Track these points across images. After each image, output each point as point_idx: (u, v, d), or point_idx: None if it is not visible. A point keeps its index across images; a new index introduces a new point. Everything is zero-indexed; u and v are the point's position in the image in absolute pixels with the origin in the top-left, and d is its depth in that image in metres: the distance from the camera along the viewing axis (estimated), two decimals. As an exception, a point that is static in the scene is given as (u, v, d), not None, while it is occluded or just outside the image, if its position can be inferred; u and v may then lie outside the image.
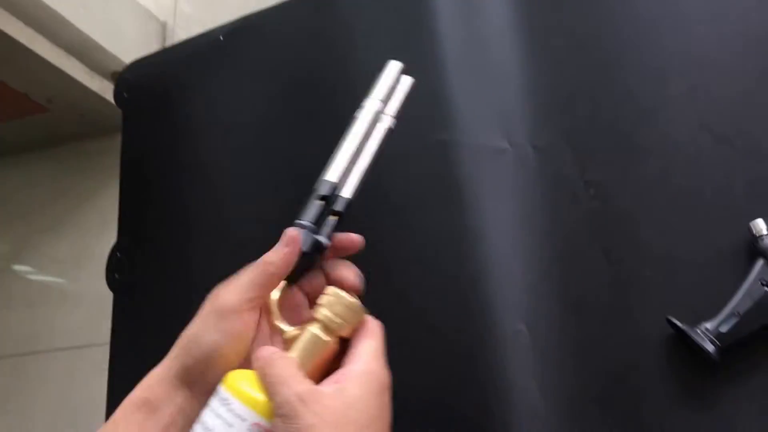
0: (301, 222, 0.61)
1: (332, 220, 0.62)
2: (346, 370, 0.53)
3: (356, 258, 0.82)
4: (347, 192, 0.63)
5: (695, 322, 0.76)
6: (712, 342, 0.74)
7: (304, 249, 0.60)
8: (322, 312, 0.55)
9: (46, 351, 2.11)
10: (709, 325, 0.75)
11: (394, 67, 0.68)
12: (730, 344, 0.74)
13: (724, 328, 0.74)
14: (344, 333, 0.56)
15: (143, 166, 1.18)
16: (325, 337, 0.55)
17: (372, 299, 0.89)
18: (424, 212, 0.93)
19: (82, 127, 2.31)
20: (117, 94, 1.25)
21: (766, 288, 0.74)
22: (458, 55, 0.98)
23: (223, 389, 0.53)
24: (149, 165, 1.17)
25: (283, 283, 0.61)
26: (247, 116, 1.10)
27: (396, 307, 0.88)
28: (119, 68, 1.31)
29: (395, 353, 0.85)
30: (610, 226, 0.85)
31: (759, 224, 0.77)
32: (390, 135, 0.67)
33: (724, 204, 0.82)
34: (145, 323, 1.05)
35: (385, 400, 0.52)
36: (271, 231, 0.99)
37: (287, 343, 0.57)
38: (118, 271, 1.08)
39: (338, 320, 0.55)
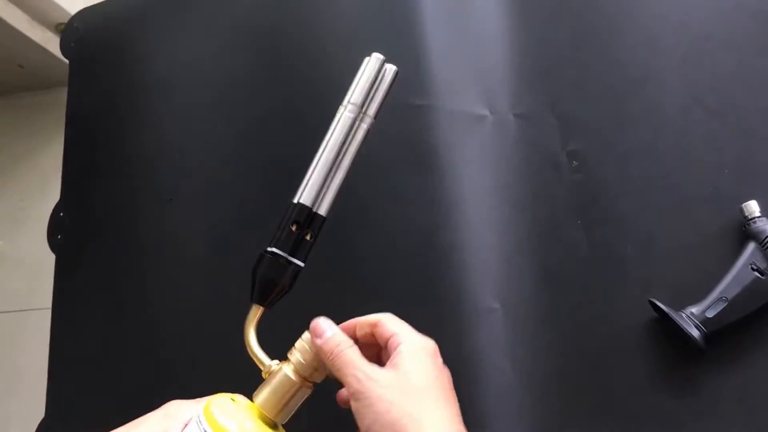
0: (275, 251, 0.61)
1: (308, 241, 0.62)
2: (397, 352, 0.57)
3: (328, 224, 0.77)
4: (323, 210, 0.62)
5: (678, 305, 0.73)
6: (697, 327, 0.71)
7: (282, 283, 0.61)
8: (295, 355, 0.59)
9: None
10: (694, 309, 0.72)
11: (375, 61, 0.64)
12: (716, 330, 0.71)
13: (710, 314, 0.71)
14: (311, 377, 0.59)
15: (90, 121, 1.11)
16: (295, 378, 0.58)
17: (341, 266, 0.87)
18: (398, 178, 0.89)
19: (21, 80, 2.20)
20: (64, 44, 1.18)
21: (756, 273, 0.71)
22: (439, 18, 0.94)
23: (203, 417, 0.55)
24: (96, 119, 1.11)
25: (260, 313, 0.62)
26: (203, 69, 1.05)
27: (366, 274, 0.86)
28: (64, 20, 1.23)
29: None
30: (591, 199, 0.82)
31: (751, 206, 0.74)
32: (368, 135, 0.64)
33: (712, 182, 0.79)
34: (88, 285, 1.00)
35: (438, 362, 0.58)
36: (222, 188, 0.96)
37: (265, 376, 0.59)
38: (60, 231, 1.02)
39: (306, 365, 0.58)
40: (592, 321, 0.78)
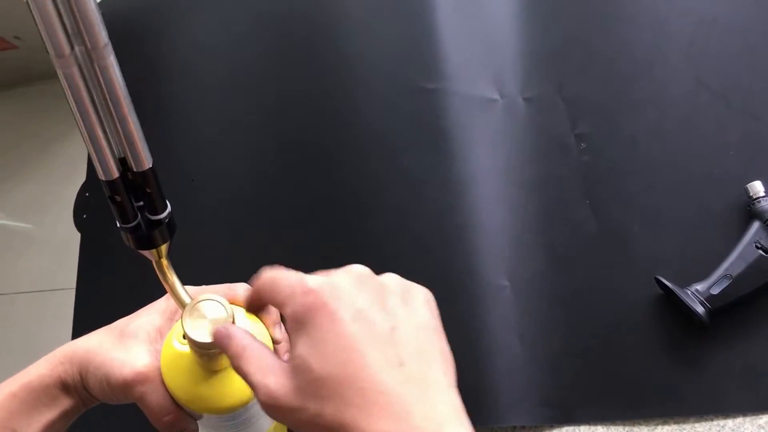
0: (125, 226, 0.49)
1: (150, 194, 0.49)
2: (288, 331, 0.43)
3: (343, 204, 0.78)
4: (139, 165, 0.47)
5: (684, 282, 0.74)
6: (702, 304, 0.72)
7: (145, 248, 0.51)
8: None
9: (11, 294, 2.07)
10: (699, 286, 0.73)
11: None
12: (720, 307, 0.73)
13: (715, 290, 0.73)
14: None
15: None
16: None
17: (353, 246, 0.89)
18: (410, 160, 0.90)
19: (51, 67, 2.21)
20: (88, 30, 1.20)
21: (760, 251, 0.72)
22: (450, 4, 0.95)
23: None
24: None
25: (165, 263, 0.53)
26: (223, 52, 1.06)
27: (378, 254, 0.87)
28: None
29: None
30: (599, 180, 0.84)
31: (756, 186, 0.75)
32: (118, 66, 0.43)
33: (717, 163, 0.81)
34: (112, 263, 1.02)
35: (332, 317, 0.40)
36: (242, 169, 0.97)
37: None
38: (85, 211, 1.05)
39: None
40: (599, 298, 0.79)
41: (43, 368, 0.55)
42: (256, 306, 0.51)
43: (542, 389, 0.77)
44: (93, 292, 1.01)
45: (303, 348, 0.40)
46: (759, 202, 0.74)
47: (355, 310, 0.41)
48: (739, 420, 0.72)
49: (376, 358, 0.39)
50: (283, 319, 0.48)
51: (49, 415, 0.54)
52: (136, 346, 0.54)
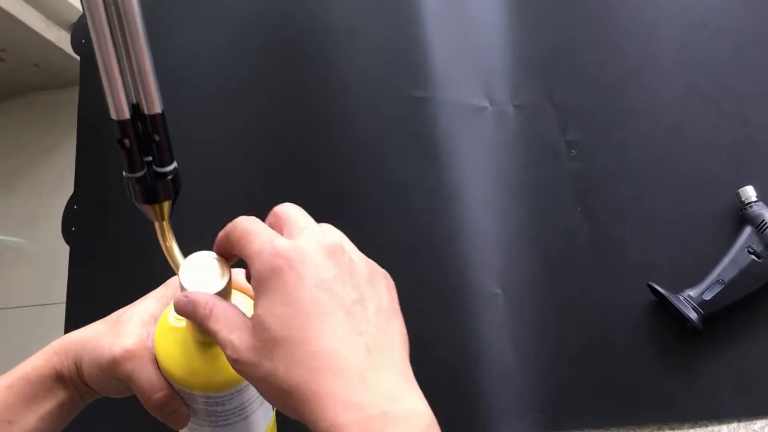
0: (133, 176, 0.49)
1: (158, 143, 0.48)
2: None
3: (331, 212, 0.77)
4: (151, 108, 0.47)
5: (676, 287, 0.74)
6: (695, 310, 0.72)
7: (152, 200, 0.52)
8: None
9: (2, 309, 2.06)
10: (692, 292, 0.73)
11: None
12: (713, 312, 0.72)
13: (707, 296, 0.73)
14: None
15: (101, 114, 1.11)
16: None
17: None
18: (400, 168, 0.90)
19: (38, 79, 2.22)
20: (75, 41, 1.19)
21: (753, 256, 0.72)
22: (439, 10, 0.95)
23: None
24: (107, 112, 1.11)
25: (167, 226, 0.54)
26: (213, 59, 1.06)
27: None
28: (77, 19, 1.24)
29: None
30: (591, 186, 0.84)
31: (748, 191, 0.75)
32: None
33: (709, 168, 0.81)
34: (102, 276, 1.01)
35: (308, 294, 0.41)
36: (232, 175, 0.97)
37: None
38: (74, 223, 1.04)
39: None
40: (591, 304, 0.79)
41: (38, 360, 0.55)
42: (224, 253, 0.50)
43: (535, 396, 0.77)
44: (84, 305, 1.00)
45: (263, 308, 0.41)
46: (751, 206, 0.74)
47: (321, 279, 0.42)
48: (734, 426, 0.72)
49: (333, 324, 0.40)
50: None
51: (45, 406, 0.55)
52: (127, 328, 0.54)
